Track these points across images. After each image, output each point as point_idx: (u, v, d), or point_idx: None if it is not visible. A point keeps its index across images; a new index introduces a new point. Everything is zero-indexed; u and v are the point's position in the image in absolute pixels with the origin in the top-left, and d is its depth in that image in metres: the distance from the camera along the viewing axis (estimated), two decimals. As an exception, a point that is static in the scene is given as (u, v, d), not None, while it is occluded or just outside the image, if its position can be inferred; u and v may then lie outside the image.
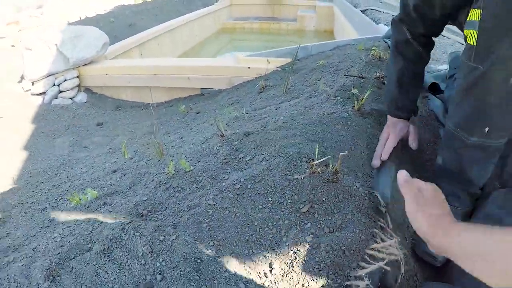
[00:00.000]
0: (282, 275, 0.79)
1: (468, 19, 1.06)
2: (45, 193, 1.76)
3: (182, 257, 0.84)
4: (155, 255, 0.85)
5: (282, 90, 2.30)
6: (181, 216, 0.96)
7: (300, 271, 0.80)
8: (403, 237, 1.09)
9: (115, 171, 1.75)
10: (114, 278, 0.81)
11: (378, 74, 2.13)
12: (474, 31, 1.02)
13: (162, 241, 0.90)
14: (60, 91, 3.96)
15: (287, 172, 1.05)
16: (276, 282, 0.78)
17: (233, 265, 0.81)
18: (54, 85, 3.94)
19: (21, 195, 1.87)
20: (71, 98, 3.96)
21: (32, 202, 1.65)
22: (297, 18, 8.50)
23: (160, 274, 0.81)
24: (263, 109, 1.99)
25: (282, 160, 1.11)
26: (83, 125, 3.42)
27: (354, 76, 2.06)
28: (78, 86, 4.03)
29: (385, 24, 4.86)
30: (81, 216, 1.14)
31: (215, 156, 1.34)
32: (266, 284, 0.78)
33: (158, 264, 0.83)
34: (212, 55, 6.86)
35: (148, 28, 5.39)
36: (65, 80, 3.95)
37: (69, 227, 1.08)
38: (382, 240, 0.91)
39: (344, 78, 2.06)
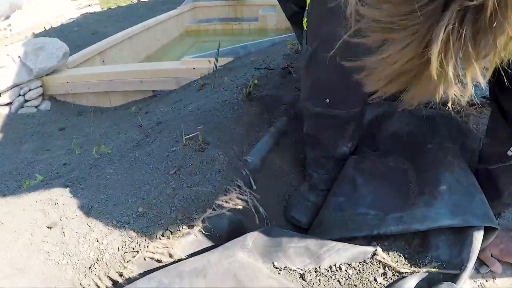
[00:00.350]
0: (143, 215, 1.14)
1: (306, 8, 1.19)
2: (7, 186, 2.09)
3: (80, 205, 1.19)
4: (65, 206, 1.22)
5: (211, 86, 2.64)
6: (90, 181, 1.32)
7: (158, 212, 1.15)
8: (274, 199, 1.42)
9: (64, 164, 2.09)
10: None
11: (286, 65, 2.45)
12: (304, 18, 1.18)
13: (70, 197, 1.26)
14: (26, 101, 4.25)
15: (169, 146, 1.41)
16: (139, 220, 1.13)
17: (114, 210, 1.16)
18: (19, 95, 4.23)
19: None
20: (36, 107, 4.25)
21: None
22: (258, 17, 8.80)
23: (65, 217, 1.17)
24: (190, 104, 2.34)
25: (169, 139, 1.48)
26: (47, 131, 3.73)
27: (262, 68, 2.41)
28: (42, 95, 4.32)
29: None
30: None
31: (131, 142, 1.71)
32: (131, 221, 1.13)
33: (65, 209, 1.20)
34: (176, 59, 7.14)
35: (111, 35, 5.68)
36: (30, 90, 4.24)
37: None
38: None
39: (255, 71, 2.41)
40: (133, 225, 1.13)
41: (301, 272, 1.04)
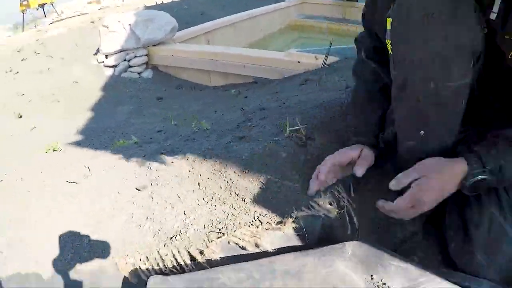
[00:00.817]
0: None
1: (387, 28, 1.04)
2: (100, 141, 2.14)
3: (173, 174, 1.17)
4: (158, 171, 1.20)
5: (316, 83, 2.56)
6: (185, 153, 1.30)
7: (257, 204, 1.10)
8: (367, 212, 1.29)
9: (159, 131, 2.10)
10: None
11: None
12: (388, 40, 1.03)
13: (163, 164, 1.24)
14: (130, 66, 4.40)
15: (270, 135, 1.35)
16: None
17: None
18: (125, 60, 4.39)
19: (81, 142, 2.27)
20: (138, 73, 4.39)
21: (88, 145, 2.04)
22: (366, 22, 8.61)
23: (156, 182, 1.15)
24: (294, 97, 2.27)
25: (271, 127, 1.43)
26: (145, 97, 3.82)
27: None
28: (146, 63, 4.46)
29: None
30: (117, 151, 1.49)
31: (232, 123, 1.67)
32: (222, 203, 1.09)
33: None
34: (277, 50, 7.14)
35: (216, 18, 5.77)
36: (135, 56, 4.39)
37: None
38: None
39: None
40: (223, 207, 1.08)
41: None
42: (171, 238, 0.99)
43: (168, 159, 1.26)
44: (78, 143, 2.21)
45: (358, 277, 0.95)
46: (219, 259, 0.98)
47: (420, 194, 1.00)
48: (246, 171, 1.19)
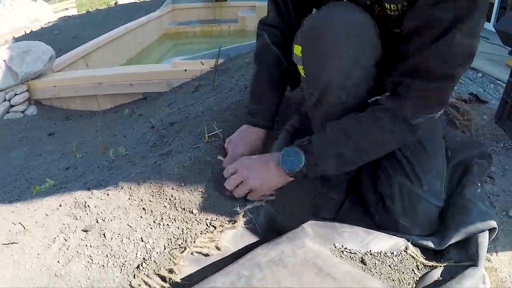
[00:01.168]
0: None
1: (294, 52, 1.19)
2: (8, 192, 2.05)
3: (115, 207, 1.20)
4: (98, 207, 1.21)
5: (211, 87, 2.65)
6: (116, 183, 1.32)
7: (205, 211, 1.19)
8: (297, 193, 1.44)
9: (68, 168, 2.06)
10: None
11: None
12: (300, 66, 1.18)
13: (100, 199, 1.26)
14: (11, 106, 4.17)
15: (192, 145, 1.44)
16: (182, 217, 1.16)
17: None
18: (5, 100, 4.15)
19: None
20: (22, 112, 4.18)
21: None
22: (238, 19, 8.85)
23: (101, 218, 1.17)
24: (192, 105, 2.34)
25: (190, 138, 1.51)
26: (36, 136, 3.66)
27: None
28: (28, 99, 4.25)
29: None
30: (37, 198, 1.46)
31: (146, 143, 1.71)
32: (174, 219, 1.16)
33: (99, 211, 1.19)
34: (156, 61, 7.13)
35: (92, 39, 5.63)
36: (16, 94, 4.16)
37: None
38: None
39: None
40: (176, 223, 1.15)
41: (361, 256, 1.10)
42: (138, 267, 1.03)
43: (101, 193, 1.28)
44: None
45: (326, 248, 1.10)
46: (191, 273, 1.04)
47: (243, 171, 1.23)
48: (183, 184, 1.27)
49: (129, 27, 6.37)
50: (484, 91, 2.47)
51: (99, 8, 9.13)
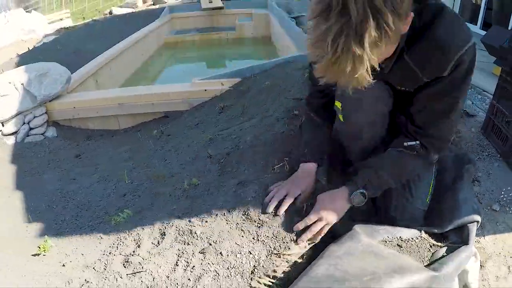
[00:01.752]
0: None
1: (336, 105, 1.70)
2: (72, 222, 2.17)
3: (215, 232, 1.48)
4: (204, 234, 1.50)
5: (240, 111, 2.80)
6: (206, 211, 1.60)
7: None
8: None
9: (124, 195, 2.20)
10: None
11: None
12: (340, 115, 1.70)
13: (201, 226, 1.59)
14: (31, 128, 4.26)
15: (261, 173, 1.70)
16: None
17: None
18: (24, 123, 4.24)
19: (46, 228, 2.25)
20: (42, 134, 4.28)
21: (73, 229, 2.08)
22: (235, 27, 9.00)
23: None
24: (228, 129, 2.49)
25: (254, 168, 1.73)
26: (62, 159, 3.75)
27: (295, 98, 2.60)
28: (47, 121, 4.35)
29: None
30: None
31: (210, 172, 1.91)
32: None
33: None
34: (158, 71, 7.27)
35: (93, 53, 5.72)
36: (35, 117, 4.25)
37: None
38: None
39: (287, 100, 2.60)
40: (269, 238, 1.54)
41: (396, 243, 1.61)
42: (252, 272, 1.44)
43: (198, 220, 1.61)
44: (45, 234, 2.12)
45: (374, 240, 1.57)
46: (287, 270, 1.47)
47: (320, 209, 1.61)
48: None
49: (131, 41, 6.49)
50: (472, 103, 2.79)
51: (95, 19, 9.19)
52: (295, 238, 1.54)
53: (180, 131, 3.28)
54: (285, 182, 1.73)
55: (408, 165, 1.66)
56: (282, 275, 1.42)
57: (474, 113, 2.56)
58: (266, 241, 1.50)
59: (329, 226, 1.60)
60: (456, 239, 1.68)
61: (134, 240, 1.55)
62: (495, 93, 2.27)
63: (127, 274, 1.40)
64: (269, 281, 1.39)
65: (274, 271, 1.41)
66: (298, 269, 1.44)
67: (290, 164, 1.84)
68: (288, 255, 1.48)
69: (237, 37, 9.01)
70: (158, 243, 1.51)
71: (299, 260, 1.50)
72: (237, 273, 1.38)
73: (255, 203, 1.63)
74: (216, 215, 1.59)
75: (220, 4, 9.28)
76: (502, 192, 1.97)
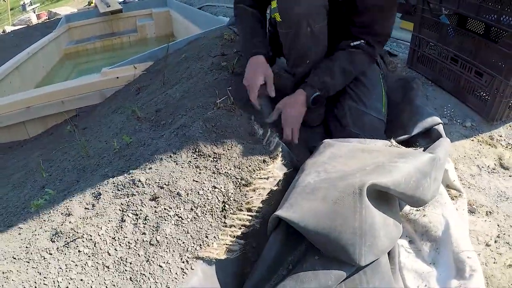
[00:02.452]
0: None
1: (271, 6, 1.74)
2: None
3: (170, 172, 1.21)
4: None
5: (160, 84, 2.62)
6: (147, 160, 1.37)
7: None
8: None
9: (43, 187, 1.95)
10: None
11: (236, 50, 2.55)
12: (277, 13, 1.72)
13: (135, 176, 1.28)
14: None
15: (203, 113, 1.49)
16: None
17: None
18: None
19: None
20: None
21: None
22: (137, 28, 8.71)
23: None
24: (151, 100, 2.31)
25: (193, 111, 1.55)
26: (-34, 177, 3.37)
27: (218, 55, 2.47)
28: None
29: (223, 16, 5.36)
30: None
31: (142, 131, 1.72)
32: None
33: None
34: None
35: (-5, 68, 5.27)
36: None
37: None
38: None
39: (211, 58, 2.46)
40: (233, 169, 1.38)
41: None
42: (223, 209, 1.28)
43: (141, 170, 1.36)
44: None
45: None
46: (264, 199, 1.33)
47: (289, 120, 1.74)
48: (215, 141, 1.48)
49: (30, 51, 6.04)
50: (391, 48, 3.10)
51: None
52: (262, 159, 1.42)
53: (96, 122, 3.03)
54: (245, 75, 1.81)
55: (356, 61, 1.81)
56: (259, 206, 1.25)
57: (396, 53, 2.91)
58: (229, 172, 1.33)
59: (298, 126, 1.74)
60: (426, 143, 1.72)
61: (62, 213, 1.30)
62: (415, 26, 2.49)
63: (57, 248, 1.14)
64: (246, 215, 1.21)
65: (248, 203, 1.24)
66: (276, 197, 1.30)
67: (233, 95, 1.77)
68: (263, 178, 1.34)
69: (140, 38, 8.73)
70: (93, 205, 1.27)
71: (275, 188, 1.35)
72: (204, 212, 1.18)
73: (205, 139, 1.44)
74: (161, 159, 1.37)
75: (118, 6, 8.91)
76: (445, 109, 2.22)
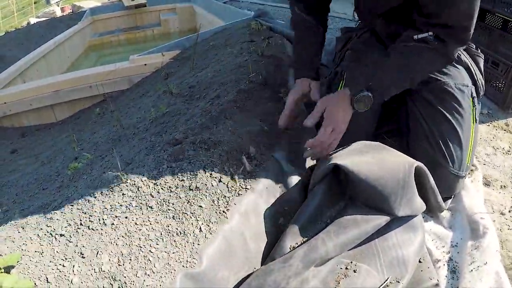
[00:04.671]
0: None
1: None
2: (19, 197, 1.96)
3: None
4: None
5: (189, 69, 2.67)
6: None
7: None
8: None
9: (76, 158, 2.01)
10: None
11: (263, 37, 2.60)
12: None
13: None
14: (-45, 132, 3.92)
15: (236, 86, 1.56)
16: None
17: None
18: None
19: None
20: (-30, 136, 3.94)
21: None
22: (160, 22, 8.81)
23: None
24: (182, 82, 2.36)
25: (226, 86, 1.62)
26: (-4, 157, 3.46)
27: (247, 41, 2.51)
28: (-27, 123, 4.01)
29: (248, 10, 5.43)
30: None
31: (176, 104, 1.78)
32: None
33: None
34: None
35: (18, 58, 5.37)
36: (-42, 119, 3.92)
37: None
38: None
39: (239, 44, 2.51)
40: None
41: None
42: None
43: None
44: None
45: None
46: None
47: (330, 118, 1.38)
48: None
49: (57, 41, 6.15)
50: None
51: (17, 28, 8.71)
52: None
53: (125, 105, 3.10)
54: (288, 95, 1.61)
55: (421, 58, 1.42)
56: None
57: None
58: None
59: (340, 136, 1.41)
60: None
61: (103, 166, 1.38)
62: None
63: (101, 193, 1.20)
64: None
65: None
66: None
67: (264, 71, 1.82)
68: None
69: (163, 32, 8.83)
70: (132, 160, 1.35)
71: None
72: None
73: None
74: (197, 122, 1.45)
75: (142, 0, 9.01)
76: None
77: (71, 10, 12.91)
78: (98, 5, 11.21)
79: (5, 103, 3.81)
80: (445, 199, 1.50)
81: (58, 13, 12.58)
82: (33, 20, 11.14)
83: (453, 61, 1.48)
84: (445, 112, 1.47)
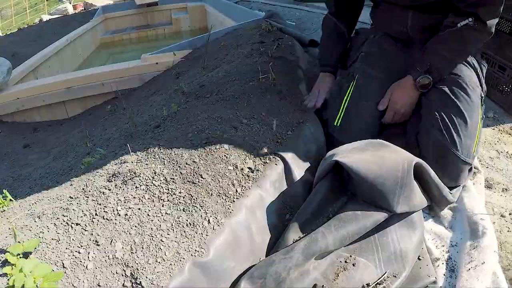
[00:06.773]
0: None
1: None
2: (31, 187, 2.02)
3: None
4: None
5: (200, 68, 2.73)
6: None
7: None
8: None
9: (88, 153, 2.07)
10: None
11: (273, 38, 2.65)
12: None
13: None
14: (-33, 126, 3.99)
15: (246, 82, 1.63)
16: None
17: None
18: (-40, 121, 3.96)
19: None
20: (-16, 131, 4.01)
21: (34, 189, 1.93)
22: (172, 21, 8.88)
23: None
24: (193, 81, 2.42)
25: (238, 84, 1.69)
26: (9, 152, 3.53)
27: (257, 42, 2.56)
28: (-15, 118, 4.07)
29: (259, 10, 5.48)
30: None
31: (188, 102, 1.84)
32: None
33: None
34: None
35: (31, 55, 5.45)
36: (-26, 114, 3.99)
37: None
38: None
39: (249, 45, 2.56)
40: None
41: None
42: None
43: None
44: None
45: None
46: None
47: (395, 103, 1.72)
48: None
49: (69, 38, 6.24)
50: None
51: (29, 25, 8.82)
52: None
53: (136, 103, 3.16)
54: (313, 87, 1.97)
55: (469, 37, 1.65)
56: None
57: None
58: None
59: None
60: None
61: (116, 162, 1.43)
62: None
63: (115, 185, 1.27)
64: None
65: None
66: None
67: (275, 72, 1.89)
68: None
69: (174, 31, 8.90)
70: (146, 155, 1.41)
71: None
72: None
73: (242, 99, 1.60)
74: (207, 117, 1.52)
75: (154, -1, 9.11)
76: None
77: (83, 8, 13.04)
78: (110, 3, 11.34)
79: (18, 98, 3.88)
80: (451, 190, 1.57)
81: (70, 10, 12.72)
82: (45, 17, 11.27)
83: (493, 34, 1.68)
84: (456, 100, 1.62)
